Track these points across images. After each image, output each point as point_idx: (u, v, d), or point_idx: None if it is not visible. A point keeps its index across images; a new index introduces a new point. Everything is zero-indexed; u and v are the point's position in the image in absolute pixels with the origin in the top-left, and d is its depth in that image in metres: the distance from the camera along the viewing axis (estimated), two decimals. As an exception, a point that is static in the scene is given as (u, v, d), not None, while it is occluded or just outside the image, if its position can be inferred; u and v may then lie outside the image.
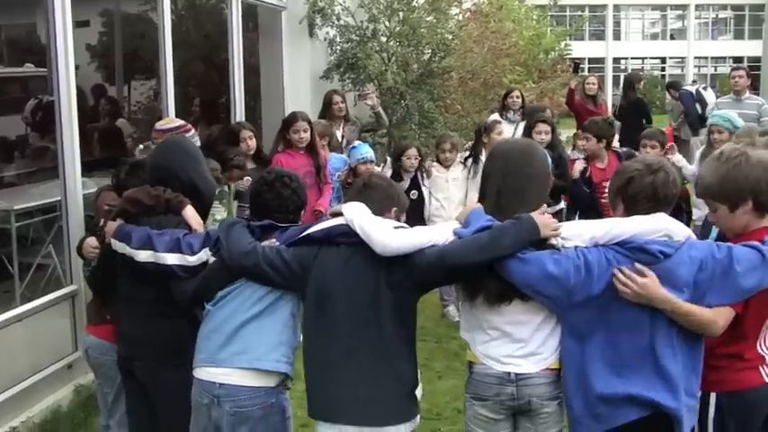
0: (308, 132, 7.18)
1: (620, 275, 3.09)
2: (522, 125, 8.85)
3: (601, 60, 52.67)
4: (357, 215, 3.36)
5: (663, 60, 56.19)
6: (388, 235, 3.25)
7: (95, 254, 4.35)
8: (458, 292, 3.51)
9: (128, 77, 11.93)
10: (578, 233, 3.18)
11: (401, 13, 10.20)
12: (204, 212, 4.11)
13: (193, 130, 5.51)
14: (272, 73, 9.98)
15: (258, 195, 3.80)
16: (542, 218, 3.18)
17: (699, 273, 3.12)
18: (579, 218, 6.87)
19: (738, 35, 56.75)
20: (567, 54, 15.79)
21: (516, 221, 3.15)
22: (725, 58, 53.43)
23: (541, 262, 3.11)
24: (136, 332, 3.91)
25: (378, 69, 9.76)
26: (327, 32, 10.11)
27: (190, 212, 3.89)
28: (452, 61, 10.90)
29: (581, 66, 11.67)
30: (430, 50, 10.42)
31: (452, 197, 7.89)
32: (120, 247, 3.80)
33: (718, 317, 3.14)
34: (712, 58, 54.75)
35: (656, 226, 3.17)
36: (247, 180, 6.91)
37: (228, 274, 3.56)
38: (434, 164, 7.93)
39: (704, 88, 12.04)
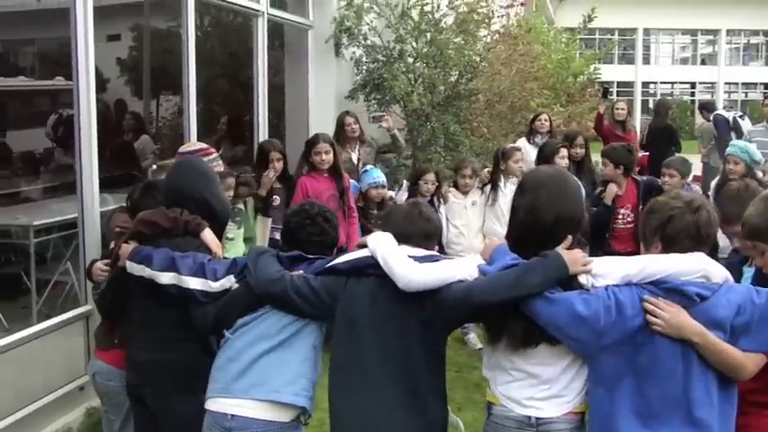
0: (330, 154, 7.09)
1: (648, 304, 2.95)
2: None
3: (630, 84, 52.39)
4: (380, 247, 3.28)
5: (693, 85, 55.75)
6: (411, 270, 3.15)
7: (105, 276, 4.24)
8: (482, 332, 3.33)
9: (155, 93, 11.96)
10: (609, 270, 3.02)
11: (429, 34, 10.08)
12: (220, 234, 4.03)
13: (215, 153, 5.42)
14: (297, 92, 9.93)
15: (300, 228, 3.74)
16: (571, 253, 3.05)
17: (736, 317, 2.97)
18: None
19: (770, 61, 56.32)
20: (597, 78, 15.62)
21: (543, 258, 3.02)
22: (756, 84, 52.99)
23: (569, 302, 2.96)
24: (148, 357, 3.81)
25: (403, 90, 9.65)
26: (354, 52, 10.02)
27: (209, 235, 3.82)
28: (479, 83, 10.77)
29: (610, 90, 11.46)
30: (457, 72, 10.28)
31: (471, 224, 7.80)
32: (138, 269, 3.71)
33: (748, 361, 2.99)
34: (743, 83, 54.29)
35: (695, 266, 3.02)
36: (276, 199, 6.84)
37: (252, 300, 3.49)
38: (451, 189, 7.79)
39: (741, 116, 11.76)
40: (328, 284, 3.38)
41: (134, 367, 3.91)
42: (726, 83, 54.80)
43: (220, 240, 3.99)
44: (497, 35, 12.45)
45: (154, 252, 3.70)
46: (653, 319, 2.92)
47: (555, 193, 3.19)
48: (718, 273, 3.04)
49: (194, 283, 3.57)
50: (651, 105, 44.49)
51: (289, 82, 10.09)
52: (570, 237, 3.13)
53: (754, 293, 3.02)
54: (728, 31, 55.35)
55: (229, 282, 3.57)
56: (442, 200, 7.71)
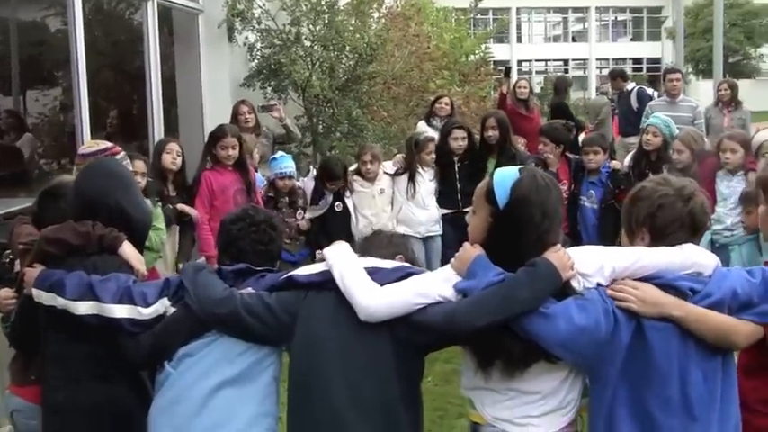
0: (237, 149, 6.63)
1: (615, 286, 2.69)
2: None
3: (505, 63, 53.03)
4: (337, 264, 2.86)
5: (566, 62, 56.91)
6: (372, 297, 2.74)
7: (13, 305, 3.57)
8: (465, 355, 2.92)
9: (27, 88, 11.12)
10: (595, 267, 2.71)
11: (326, 16, 9.67)
12: (141, 246, 3.47)
13: (122, 153, 4.87)
14: (190, 81, 9.37)
15: (244, 237, 3.24)
16: (559, 257, 2.69)
17: (732, 301, 2.72)
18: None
19: (637, 37, 58.05)
20: (489, 57, 15.52)
21: (531, 269, 2.66)
22: (625, 59, 54.43)
23: (567, 314, 2.63)
24: (63, 399, 3.20)
25: (303, 75, 9.22)
26: (247, 37, 9.52)
27: (128, 250, 3.27)
28: (377, 66, 10.44)
29: (511, 68, 11.32)
30: (356, 55, 9.91)
31: (381, 213, 7.46)
32: (47, 298, 3.10)
33: (740, 325, 2.73)
34: (613, 59, 55.67)
35: (687, 260, 2.75)
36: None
37: (195, 325, 2.96)
38: (356, 177, 7.45)
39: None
40: (285, 300, 2.92)
41: (50, 410, 3.29)
42: (597, 59, 56.19)
43: (141, 252, 3.45)
44: (389, 16, 12.13)
45: (66, 277, 3.09)
46: (623, 296, 2.67)
47: (554, 203, 2.85)
48: (709, 263, 2.80)
49: (120, 311, 2.99)
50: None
51: (180, 71, 9.49)
52: (558, 245, 2.78)
53: (746, 274, 2.80)
54: (597, 9, 56.76)
55: (163, 306, 3.03)
56: (348, 188, 7.37)
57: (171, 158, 6.36)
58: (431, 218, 7.64)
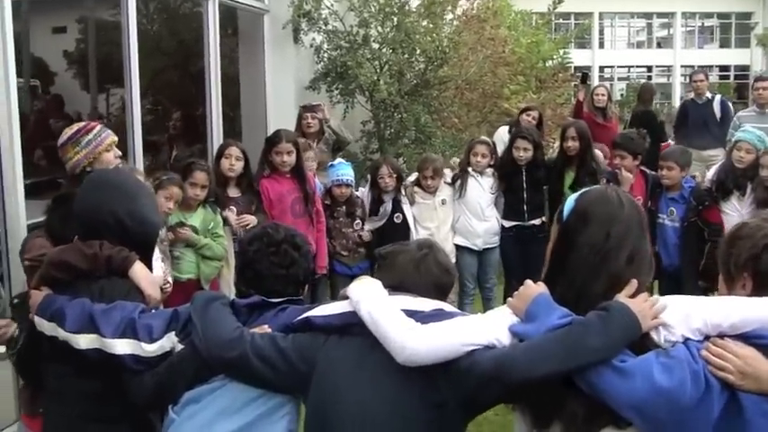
0: (293, 155, 6.31)
1: (712, 347, 2.18)
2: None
3: (586, 69, 52.06)
4: (366, 302, 2.42)
5: (649, 69, 55.62)
6: (411, 337, 2.30)
7: (8, 334, 3.28)
8: (520, 414, 2.45)
9: (101, 87, 11.06)
10: (683, 317, 2.24)
11: (395, 18, 9.29)
12: (147, 261, 3.11)
13: (98, 126, 4.50)
14: (254, 83, 9.10)
15: (261, 259, 2.88)
16: (640, 304, 2.23)
17: None
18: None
19: (724, 43, 56.37)
20: (568, 62, 14.93)
21: (605, 314, 2.20)
22: (711, 66, 52.91)
23: (648, 371, 2.15)
24: None
25: (370, 79, 8.86)
26: (314, 38, 9.21)
27: (139, 272, 2.93)
28: (449, 70, 10.02)
29: (590, 75, 10.68)
30: (426, 58, 9.51)
31: (443, 225, 7.15)
32: (49, 327, 2.78)
33: None
34: (699, 66, 54.18)
35: None
36: (231, 210, 6.03)
37: (201, 368, 2.59)
38: (417, 189, 7.08)
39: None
40: (302, 344, 2.52)
41: None
42: (682, 65, 54.73)
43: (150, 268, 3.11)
44: (464, 18, 11.70)
45: (68, 306, 2.77)
46: (719, 363, 2.16)
47: (627, 225, 2.36)
48: None
49: (122, 346, 2.67)
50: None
51: (244, 72, 9.24)
52: (635, 281, 2.32)
53: None
54: (683, 14, 55.30)
55: (170, 342, 2.68)
56: (409, 200, 7.02)
57: (228, 164, 6.10)
58: (489, 230, 7.25)
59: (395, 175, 7.02)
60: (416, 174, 7.27)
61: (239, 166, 6.15)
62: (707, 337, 2.23)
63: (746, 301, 2.32)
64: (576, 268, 2.34)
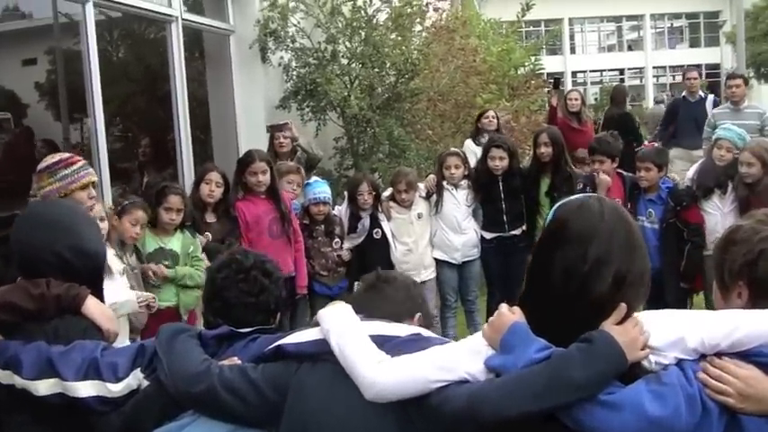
0: (268, 174, 6.19)
1: (710, 369, 1.98)
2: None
3: (559, 75, 52.22)
4: (335, 331, 2.27)
5: (621, 72, 55.86)
6: (378, 370, 2.14)
7: None
8: None
9: (71, 117, 10.94)
10: (675, 338, 2.01)
11: (362, 32, 9.19)
12: (99, 292, 2.94)
13: (80, 162, 4.35)
14: (223, 105, 8.97)
15: (230, 287, 2.72)
16: (628, 332, 2.00)
17: None
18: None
19: (694, 43, 56.79)
20: (539, 69, 14.91)
21: (587, 346, 1.98)
22: (683, 66, 53.26)
23: (638, 401, 1.93)
24: None
25: (340, 95, 8.75)
26: (282, 57, 9.09)
27: (93, 308, 2.77)
28: (420, 82, 9.94)
29: (561, 80, 10.60)
30: (396, 71, 9.42)
31: (420, 239, 7.05)
32: (3, 376, 2.62)
33: None
34: (670, 67, 54.53)
35: None
36: (207, 236, 5.90)
37: (167, 405, 2.44)
38: (393, 204, 6.97)
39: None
40: (274, 373, 2.36)
41: None
42: (654, 67, 55.10)
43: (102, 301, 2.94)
44: (433, 30, 11.64)
45: (22, 352, 2.60)
46: (719, 387, 1.96)
47: (609, 242, 2.08)
48: None
49: (86, 389, 2.51)
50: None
51: (212, 95, 9.09)
52: (624, 305, 2.05)
53: None
54: (652, 16, 55.67)
55: (136, 379, 2.53)
56: (386, 216, 6.93)
57: (208, 189, 6.00)
58: (467, 242, 7.15)
59: (373, 192, 6.92)
60: (390, 188, 7.15)
61: (219, 192, 6.05)
62: (702, 356, 2.03)
63: (746, 316, 2.08)
64: (554, 294, 2.10)
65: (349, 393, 2.20)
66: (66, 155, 4.38)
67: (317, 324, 2.39)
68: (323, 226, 6.86)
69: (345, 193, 7.28)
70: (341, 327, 2.29)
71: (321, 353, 2.30)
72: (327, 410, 2.24)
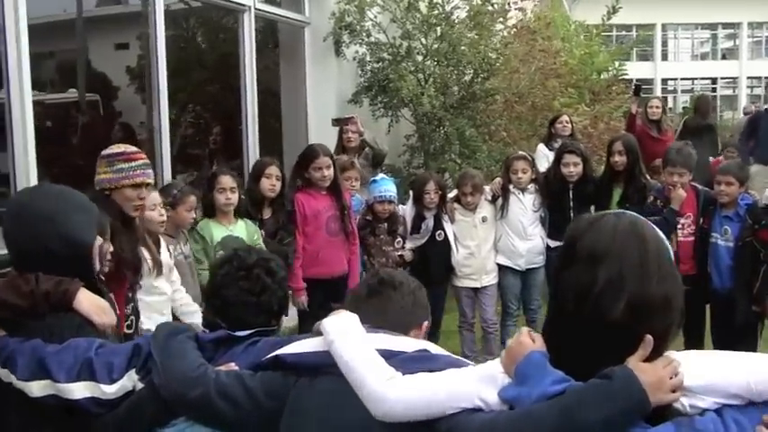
0: (332, 169, 6.06)
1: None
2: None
3: (649, 81, 51.13)
4: (340, 342, 2.12)
5: (714, 81, 54.38)
6: (389, 386, 1.98)
7: None
8: None
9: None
10: (715, 380, 1.77)
11: (439, 29, 9.03)
12: (93, 284, 2.75)
13: (141, 159, 4.22)
14: (294, 97, 8.95)
15: (230, 284, 2.59)
16: (655, 372, 1.76)
17: None
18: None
19: (793, 54, 54.94)
20: (623, 74, 14.49)
21: (605, 384, 1.76)
22: (779, 77, 51.72)
23: None
24: None
25: (412, 92, 8.60)
26: (356, 51, 9.00)
27: (84, 303, 2.60)
28: (497, 83, 9.74)
29: (643, 87, 10.19)
30: (472, 71, 9.23)
31: (483, 243, 6.84)
32: (3, 374, 2.52)
33: None
34: (766, 77, 52.86)
35: None
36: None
37: (158, 411, 2.31)
38: (457, 206, 6.80)
39: None
40: (271, 384, 2.22)
41: None
42: (748, 77, 53.48)
43: (101, 293, 2.77)
44: (514, 30, 11.41)
45: (18, 351, 2.48)
46: None
47: (620, 263, 1.85)
48: None
49: (80, 390, 2.38)
50: (670, 103, 43.53)
51: (285, 86, 9.08)
52: (649, 338, 1.80)
53: None
54: (749, 24, 54.01)
55: (131, 381, 2.40)
56: (449, 218, 6.75)
57: (269, 184, 5.86)
58: (533, 249, 6.91)
59: (439, 192, 6.76)
60: (456, 190, 6.98)
61: (278, 186, 5.94)
62: (751, 403, 1.76)
63: None
64: (569, 319, 1.89)
65: (352, 412, 2.04)
66: (132, 149, 4.27)
67: (317, 333, 2.23)
68: (386, 224, 6.69)
69: (410, 191, 7.12)
70: (347, 339, 2.13)
71: (322, 365, 2.14)
72: (327, 430, 2.10)
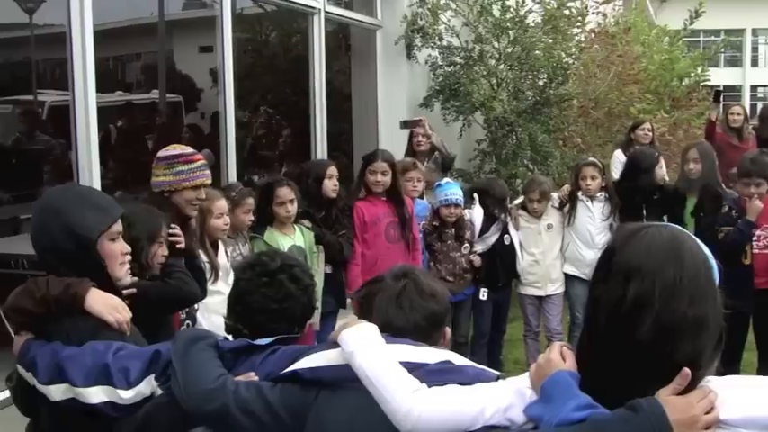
0: (389, 175, 6.00)
1: None
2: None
3: (736, 88, 49.82)
4: (360, 354, 2.03)
5: (805, 88, 52.82)
6: (415, 398, 1.89)
7: None
8: None
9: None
10: (758, 414, 1.65)
11: (512, 33, 8.91)
12: (105, 283, 2.67)
13: (199, 161, 4.23)
14: (365, 100, 8.93)
15: (252, 291, 2.54)
16: (687, 408, 1.65)
17: None
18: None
19: None
20: (705, 81, 14.09)
21: (629, 415, 1.65)
22: None
23: None
24: None
25: (484, 96, 8.49)
26: (429, 54, 8.94)
27: (95, 304, 2.54)
28: (572, 88, 9.56)
29: (720, 92, 9.81)
30: (546, 75, 9.08)
31: (549, 251, 6.70)
32: (28, 377, 2.52)
33: None
34: None
35: None
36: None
37: (175, 421, 2.28)
38: (521, 212, 6.67)
39: None
40: (291, 398, 2.14)
41: None
42: (842, 86, 51.80)
43: (114, 291, 2.69)
44: (593, 34, 11.20)
45: (39, 355, 2.47)
46: None
47: (664, 282, 1.72)
48: None
49: (97, 394, 2.36)
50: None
51: (356, 89, 9.07)
52: (687, 371, 1.68)
53: None
54: None
55: (149, 386, 2.37)
56: (513, 224, 6.63)
57: (332, 185, 5.82)
58: None
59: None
60: (523, 196, 6.85)
61: (338, 185, 5.92)
62: None
63: None
64: (599, 336, 1.80)
65: (378, 427, 1.97)
66: (189, 150, 4.29)
67: (334, 344, 2.14)
68: (453, 229, 6.60)
69: (476, 195, 7.01)
70: (368, 350, 2.04)
71: (341, 380, 2.08)
72: None
